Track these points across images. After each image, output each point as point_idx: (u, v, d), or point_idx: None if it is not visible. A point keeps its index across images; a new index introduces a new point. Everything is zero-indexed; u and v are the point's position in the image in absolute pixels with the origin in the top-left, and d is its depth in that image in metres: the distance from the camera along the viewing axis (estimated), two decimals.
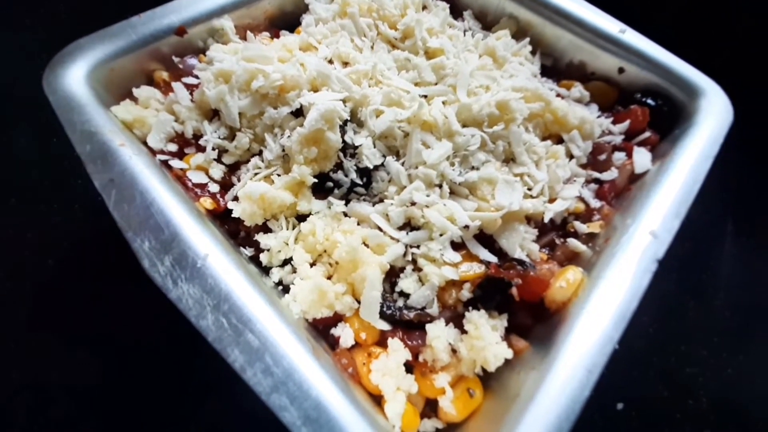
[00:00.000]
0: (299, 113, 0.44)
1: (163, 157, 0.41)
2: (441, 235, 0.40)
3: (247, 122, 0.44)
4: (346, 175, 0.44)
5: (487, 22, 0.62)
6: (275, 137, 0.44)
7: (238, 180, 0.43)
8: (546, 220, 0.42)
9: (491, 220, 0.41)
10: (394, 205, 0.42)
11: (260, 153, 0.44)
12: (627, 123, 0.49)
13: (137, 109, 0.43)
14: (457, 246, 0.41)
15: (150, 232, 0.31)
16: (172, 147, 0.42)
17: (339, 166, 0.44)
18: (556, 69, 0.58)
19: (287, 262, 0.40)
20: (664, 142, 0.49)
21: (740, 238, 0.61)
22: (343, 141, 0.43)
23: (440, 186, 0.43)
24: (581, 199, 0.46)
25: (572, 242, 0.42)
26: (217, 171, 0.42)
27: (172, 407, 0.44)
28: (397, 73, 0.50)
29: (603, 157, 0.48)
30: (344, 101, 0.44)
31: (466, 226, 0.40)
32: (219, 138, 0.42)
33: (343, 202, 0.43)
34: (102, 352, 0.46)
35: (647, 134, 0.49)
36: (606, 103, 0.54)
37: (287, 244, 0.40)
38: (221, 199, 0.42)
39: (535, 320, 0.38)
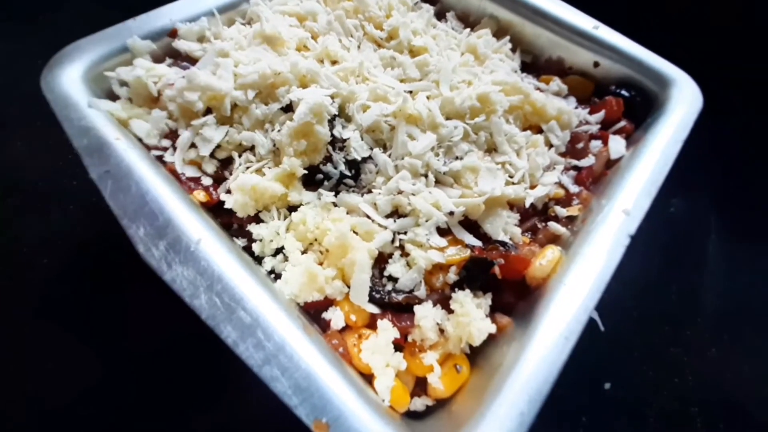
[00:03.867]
0: (289, 109, 0.46)
1: (157, 153, 0.43)
2: (427, 221, 0.42)
3: (239, 118, 0.45)
4: (336, 167, 0.45)
5: (470, 23, 0.65)
6: (266, 132, 0.45)
7: (231, 174, 0.45)
8: (527, 205, 0.44)
9: (475, 206, 0.42)
10: (382, 194, 0.44)
11: (252, 148, 0.45)
12: (602, 113, 0.52)
13: (131, 107, 0.45)
14: (443, 232, 0.42)
15: (145, 219, 0.33)
16: (166, 143, 0.44)
17: (328, 159, 0.46)
18: (536, 65, 0.61)
19: (279, 251, 0.42)
20: (638, 131, 0.51)
21: (723, 230, 0.63)
22: (332, 135, 0.45)
23: (425, 176, 0.45)
24: (561, 185, 0.48)
25: (553, 225, 0.44)
26: (210, 165, 0.44)
27: (176, 406, 0.44)
28: (383, 70, 0.52)
29: (581, 145, 0.50)
30: (332, 97, 0.46)
31: (451, 213, 0.42)
32: (211, 134, 0.44)
33: (333, 193, 0.45)
34: (103, 349, 0.47)
35: (622, 123, 0.52)
36: (583, 95, 0.57)
37: (279, 234, 0.42)
38: (214, 192, 0.43)
39: (517, 298, 0.39)
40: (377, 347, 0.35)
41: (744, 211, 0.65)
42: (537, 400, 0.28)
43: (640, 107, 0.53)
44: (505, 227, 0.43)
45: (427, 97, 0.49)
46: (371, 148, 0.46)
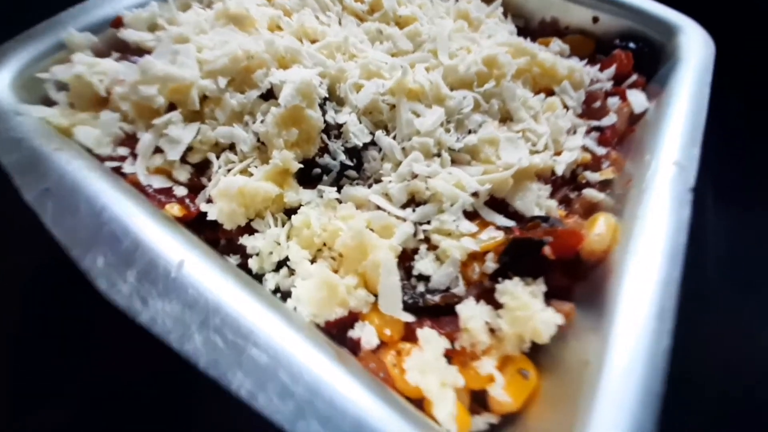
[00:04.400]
0: (270, 95, 0.39)
1: (113, 164, 0.34)
2: (452, 205, 0.36)
3: (211, 112, 0.38)
4: (334, 158, 0.39)
5: None
6: (246, 125, 0.38)
7: (209, 180, 0.37)
8: (559, 173, 0.39)
9: (502, 181, 0.37)
10: (393, 181, 0.37)
11: (232, 146, 0.38)
12: (613, 68, 0.48)
13: (74, 113, 0.36)
14: (468, 216, 0.36)
15: (104, 244, 0.25)
16: (123, 151, 0.35)
17: (324, 149, 0.39)
18: (530, 29, 0.56)
19: (282, 264, 0.34)
20: (653, 83, 0.48)
21: (720, 206, 0.59)
22: (325, 122, 0.38)
23: (438, 155, 0.39)
24: (585, 148, 0.43)
25: (589, 192, 0.39)
26: (183, 172, 0.36)
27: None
28: (370, 45, 0.46)
29: (597, 104, 0.46)
30: (320, 77, 0.39)
31: (475, 193, 0.36)
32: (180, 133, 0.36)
33: (335, 188, 0.38)
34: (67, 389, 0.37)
35: (634, 77, 0.48)
36: (585, 54, 0.53)
37: (279, 243, 0.34)
38: (191, 204, 0.35)
39: (571, 279, 0.34)
40: (426, 364, 0.28)
41: (739, 186, 0.62)
42: (650, 402, 0.22)
43: (648, 59, 0.49)
44: (538, 201, 0.38)
45: (426, 69, 0.43)
46: (372, 132, 0.40)
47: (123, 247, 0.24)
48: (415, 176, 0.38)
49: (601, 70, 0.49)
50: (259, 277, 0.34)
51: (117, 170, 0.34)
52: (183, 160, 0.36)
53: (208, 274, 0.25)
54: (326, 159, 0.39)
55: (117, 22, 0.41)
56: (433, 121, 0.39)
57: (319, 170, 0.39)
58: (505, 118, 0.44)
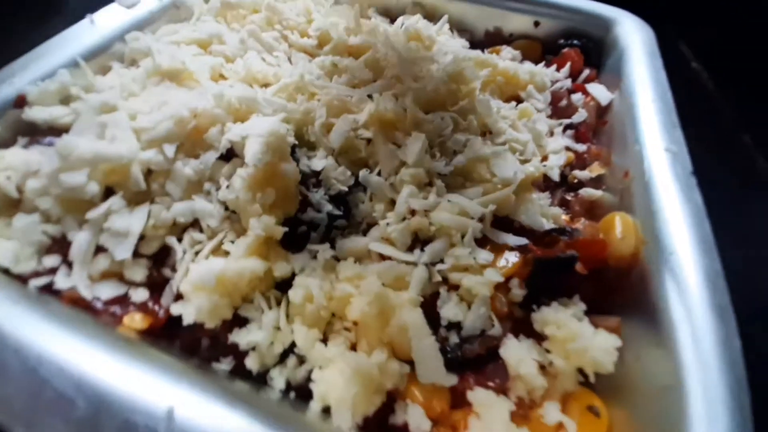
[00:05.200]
0: (231, 155, 0.33)
1: (41, 281, 0.26)
2: (462, 236, 0.32)
3: (160, 188, 0.31)
4: (319, 210, 0.34)
5: (393, 16, 0.59)
6: (208, 195, 0.32)
7: (173, 270, 0.30)
8: (556, 178, 0.38)
9: (505, 198, 0.34)
10: (391, 222, 0.33)
11: (194, 223, 0.31)
12: (568, 66, 0.49)
13: None
14: (477, 243, 0.34)
15: (52, 414, 0.17)
16: (52, 260, 0.27)
17: (304, 203, 0.34)
18: (476, 42, 0.57)
19: (287, 353, 0.28)
20: (604, 74, 0.50)
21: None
22: (300, 172, 0.34)
23: (430, 184, 0.36)
24: (567, 148, 0.43)
25: (586, 191, 0.38)
26: (138, 269, 0.29)
27: None
28: (328, 80, 0.43)
29: (563, 103, 0.46)
30: (285, 123, 0.35)
31: (481, 218, 0.33)
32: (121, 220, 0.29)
33: (328, 244, 0.33)
34: None
35: (587, 72, 0.50)
36: (534, 57, 0.54)
37: (279, 329, 0.28)
38: (157, 307, 0.28)
39: (604, 291, 0.32)
40: None
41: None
42: (743, 416, 0.20)
43: (593, 53, 0.51)
44: (543, 212, 0.36)
45: (394, 96, 0.41)
46: (354, 173, 0.36)
47: (79, 412, 0.17)
48: (412, 212, 0.34)
49: (558, 70, 0.50)
50: (261, 377, 0.28)
51: (48, 289, 0.26)
52: (135, 253, 0.29)
53: (213, 416, 0.18)
54: (310, 213, 0.34)
55: (20, 102, 0.33)
56: (417, 148, 0.36)
57: (304, 228, 0.34)
58: (484, 132, 0.42)
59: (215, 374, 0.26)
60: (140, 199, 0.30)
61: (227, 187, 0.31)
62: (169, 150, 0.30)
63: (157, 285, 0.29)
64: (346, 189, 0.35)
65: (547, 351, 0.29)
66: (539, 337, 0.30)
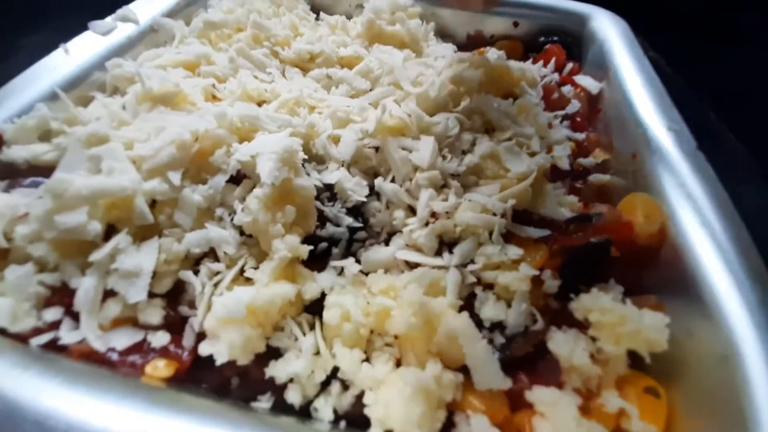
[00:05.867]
0: (239, 177, 0.31)
1: (44, 338, 0.23)
2: (490, 234, 0.32)
3: (167, 219, 0.28)
4: (337, 224, 0.33)
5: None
6: (220, 221, 0.30)
7: (191, 306, 0.27)
8: (566, 167, 0.38)
9: (523, 192, 0.34)
10: (415, 228, 0.32)
11: (209, 253, 0.29)
12: (553, 61, 0.51)
13: None
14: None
15: None
16: (53, 313, 0.24)
17: (321, 218, 0.33)
18: (459, 45, 0.58)
19: (330, 379, 0.26)
20: (586, 67, 0.52)
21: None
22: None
23: (444, 186, 0.36)
24: (568, 138, 0.44)
25: (595, 177, 0.39)
26: (153, 311, 0.26)
27: None
28: (326, 93, 0.42)
29: (555, 96, 0.48)
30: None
31: (503, 214, 0.33)
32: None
33: (352, 259, 0.31)
34: None
35: (570, 65, 0.52)
36: (517, 55, 0.56)
37: (318, 355, 0.26)
38: (180, 351, 0.25)
39: (631, 271, 0.32)
40: None
41: None
42: None
43: (572, 47, 0.54)
44: (560, 201, 0.36)
45: (396, 102, 0.40)
46: (368, 184, 0.35)
47: None
48: (434, 216, 0.33)
49: (545, 66, 0.51)
50: (304, 411, 0.25)
51: (53, 346, 0.23)
52: (148, 293, 0.26)
53: None
54: (330, 228, 0.32)
55: None
56: (429, 151, 0.36)
57: (325, 244, 0.32)
58: (487, 129, 0.42)
59: (256, 413, 0.23)
60: (146, 233, 0.28)
61: (242, 210, 0.29)
62: (175, 177, 0.28)
63: (174, 326, 0.27)
64: (364, 199, 0.34)
65: (592, 338, 0.28)
66: (580, 326, 0.29)
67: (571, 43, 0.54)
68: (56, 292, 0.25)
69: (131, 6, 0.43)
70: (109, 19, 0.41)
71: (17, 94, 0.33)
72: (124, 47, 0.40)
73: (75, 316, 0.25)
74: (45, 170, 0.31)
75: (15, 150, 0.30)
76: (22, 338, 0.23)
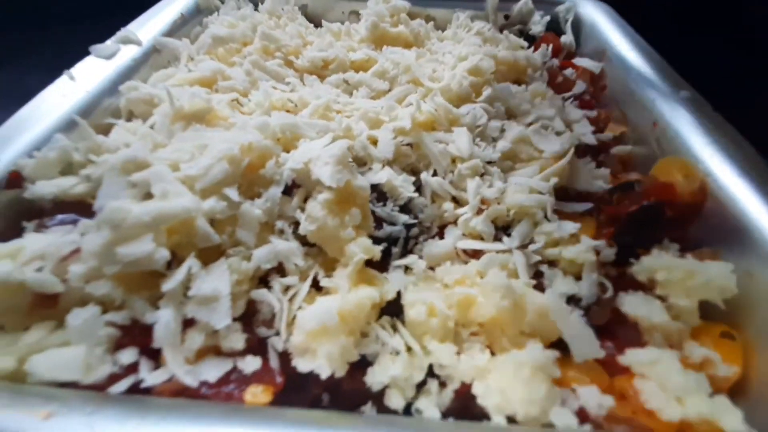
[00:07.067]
0: (290, 188, 0.30)
1: (124, 384, 0.21)
2: (544, 213, 0.33)
3: (229, 238, 0.27)
4: (394, 223, 0.32)
5: None
6: (281, 234, 0.28)
7: (269, 327, 0.26)
8: (593, 141, 0.40)
9: (562, 169, 0.36)
10: (468, 216, 0.33)
11: (276, 268, 0.27)
12: (551, 48, 0.53)
13: (9, 340, 0.21)
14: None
15: None
16: (128, 356, 0.22)
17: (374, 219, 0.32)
18: None
19: (427, 376, 0.25)
20: (580, 50, 0.55)
21: None
22: None
23: (484, 173, 0.37)
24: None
25: (619, 148, 0.41)
26: (236, 336, 0.24)
27: None
28: (348, 97, 0.42)
29: (560, 79, 0.50)
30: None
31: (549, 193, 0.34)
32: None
33: (416, 256, 0.31)
34: None
35: (565, 51, 0.55)
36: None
37: (411, 351, 0.26)
38: (274, 373, 0.23)
39: (677, 229, 0.34)
40: (673, 390, 0.23)
41: None
42: None
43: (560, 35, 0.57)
44: (593, 175, 0.38)
45: (421, 98, 0.41)
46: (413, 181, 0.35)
47: None
48: (484, 203, 0.34)
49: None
50: (406, 411, 0.24)
51: (136, 389, 0.21)
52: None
53: None
54: (387, 228, 0.32)
55: (14, 179, 0.27)
56: (466, 141, 0.37)
57: (384, 244, 0.31)
58: (509, 116, 0.44)
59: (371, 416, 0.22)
60: (209, 256, 0.26)
61: (306, 219, 0.28)
62: (233, 194, 0.27)
63: (252, 349, 0.25)
64: (415, 195, 0.34)
65: (659, 297, 0.29)
66: (644, 288, 0.30)
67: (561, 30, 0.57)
68: (128, 331, 0.22)
69: (130, 27, 0.40)
70: (109, 42, 0.38)
71: (27, 127, 0.30)
72: (131, 69, 0.38)
73: (151, 355, 0.22)
74: (71, 206, 0.28)
75: (40, 186, 0.27)
76: (97, 388, 0.20)
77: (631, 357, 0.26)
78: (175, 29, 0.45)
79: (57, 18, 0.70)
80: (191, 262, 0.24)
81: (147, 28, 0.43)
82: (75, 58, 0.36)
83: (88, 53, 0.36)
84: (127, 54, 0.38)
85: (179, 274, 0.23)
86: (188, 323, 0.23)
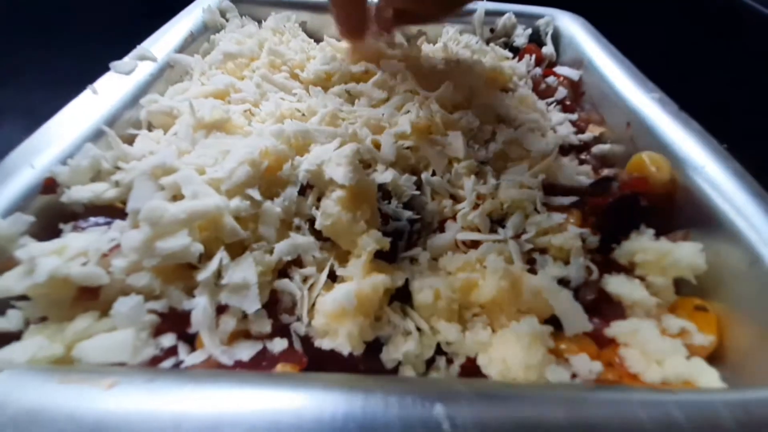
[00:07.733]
0: (304, 188, 0.33)
1: (166, 365, 0.23)
2: (534, 205, 0.36)
3: (252, 234, 0.29)
4: (398, 219, 0.35)
5: None
6: (299, 231, 0.31)
7: (290, 314, 0.28)
8: (576, 141, 0.44)
9: (549, 166, 0.39)
10: (466, 211, 0.36)
11: (295, 261, 0.30)
12: (534, 56, 0.58)
13: (56, 328, 0.23)
14: None
15: None
16: (168, 340, 0.24)
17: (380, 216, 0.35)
18: None
19: (436, 354, 0.28)
20: (560, 60, 0.60)
21: None
22: None
23: (478, 172, 0.40)
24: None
25: (598, 147, 0.45)
26: (263, 321, 0.26)
27: None
28: (351, 106, 0.45)
29: (543, 86, 0.55)
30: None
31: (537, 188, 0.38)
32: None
33: (420, 249, 0.34)
34: None
35: (546, 61, 0.59)
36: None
37: (421, 331, 0.28)
38: (299, 354, 0.26)
39: (652, 217, 0.38)
40: (653, 353, 0.26)
41: None
42: None
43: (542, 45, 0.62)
44: (576, 171, 0.42)
45: (419, 105, 0.44)
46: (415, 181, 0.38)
47: None
48: (480, 197, 0.37)
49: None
50: None
51: (177, 367, 0.23)
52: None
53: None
54: (392, 224, 0.35)
55: (48, 187, 0.29)
56: (461, 144, 0.40)
57: (390, 238, 0.34)
58: (499, 120, 0.48)
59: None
60: (234, 250, 0.28)
61: (321, 214, 0.31)
62: (255, 194, 0.29)
63: (281, 332, 0.27)
64: (417, 193, 0.37)
65: (639, 277, 0.33)
66: (625, 270, 0.34)
67: (541, 42, 0.62)
68: (165, 318, 0.25)
69: (144, 44, 0.43)
70: (127, 58, 0.41)
71: (57, 137, 0.32)
72: (148, 84, 0.40)
73: (187, 339, 0.25)
74: (101, 209, 0.31)
75: (75, 191, 0.29)
76: (147, 365, 0.23)
77: (615, 329, 0.29)
78: (186, 46, 0.48)
79: (61, 37, 0.72)
80: (221, 255, 0.26)
81: (159, 45, 0.45)
82: (78, 75, 0.39)
83: (91, 71, 0.38)
84: (144, 70, 0.41)
85: (212, 265, 0.25)
86: (220, 310, 0.26)
